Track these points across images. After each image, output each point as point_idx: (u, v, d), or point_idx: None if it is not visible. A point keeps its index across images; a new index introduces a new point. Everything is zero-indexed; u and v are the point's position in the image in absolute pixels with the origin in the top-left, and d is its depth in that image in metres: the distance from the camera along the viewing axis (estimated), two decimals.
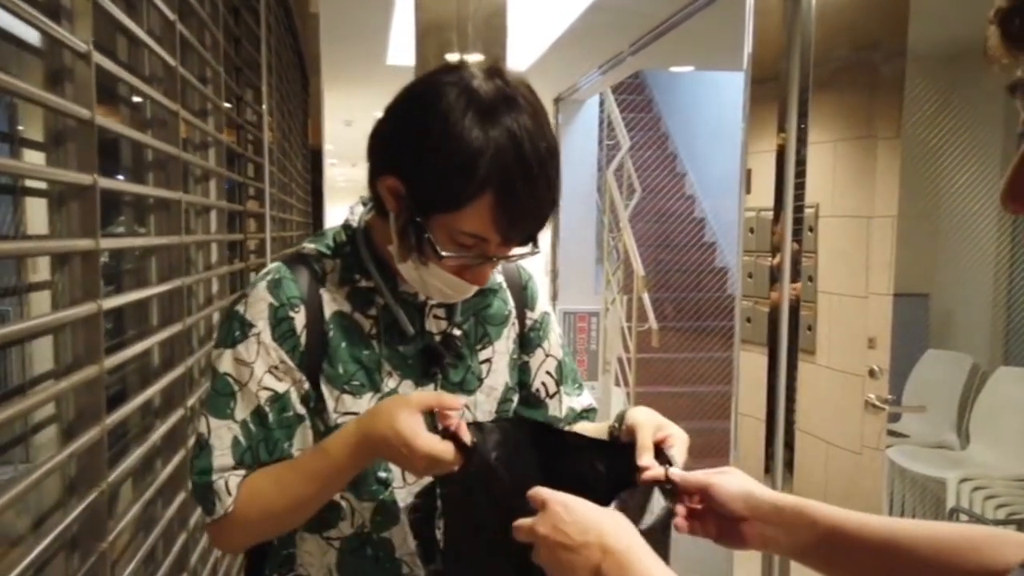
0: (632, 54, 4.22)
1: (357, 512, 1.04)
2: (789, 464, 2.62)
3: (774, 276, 2.66)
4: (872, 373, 2.49)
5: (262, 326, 1.00)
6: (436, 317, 1.09)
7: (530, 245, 1.02)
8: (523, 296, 1.19)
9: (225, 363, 1.00)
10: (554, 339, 1.22)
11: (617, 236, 5.75)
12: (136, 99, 1.10)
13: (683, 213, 6.56)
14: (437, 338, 1.09)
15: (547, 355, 1.20)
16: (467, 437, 0.93)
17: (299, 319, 1.02)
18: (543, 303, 1.22)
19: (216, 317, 1.56)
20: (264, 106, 2.05)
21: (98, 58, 0.75)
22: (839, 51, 2.51)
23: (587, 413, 1.24)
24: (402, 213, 0.99)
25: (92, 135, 0.73)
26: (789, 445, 2.62)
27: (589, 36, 4.04)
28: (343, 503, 1.04)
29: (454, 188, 0.93)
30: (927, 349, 3.90)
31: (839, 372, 2.60)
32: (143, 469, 1.13)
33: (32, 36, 0.75)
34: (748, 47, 2.69)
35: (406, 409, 0.93)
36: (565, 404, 1.21)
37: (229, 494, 0.97)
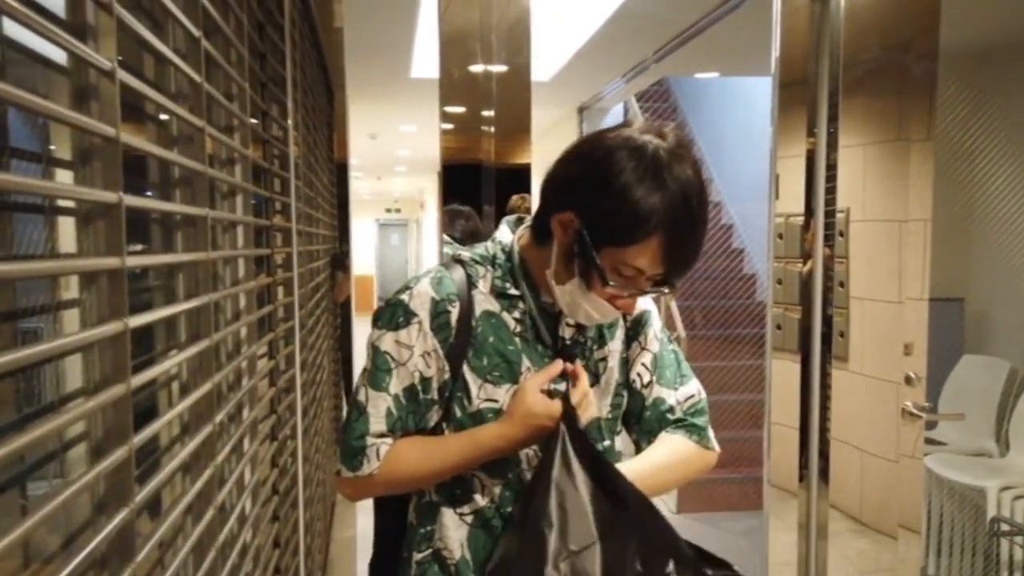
0: (656, 61, 4.20)
1: (487, 488, 1.23)
2: (824, 473, 2.57)
3: (805, 282, 2.62)
4: (909, 380, 2.44)
5: (423, 316, 1.20)
6: (568, 325, 1.26)
7: (667, 285, 1.18)
8: None
9: (386, 343, 1.21)
10: (650, 334, 1.34)
11: None
12: (162, 116, 1.10)
13: (710, 219, 6.49)
14: (568, 342, 1.26)
15: (642, 348, 1.34)
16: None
17: (454, 313, 1.21)
18: (643, 302, 1.34)
19: (244, 332, 1.56)
20: (290, 121, 2.06)
21: (123, 75, 0.75)
22: (869, 52, 2.48)
23: (687, 411, 1.33)
24: (572, 244, 1.15)
25: (117, 153, 0.73)
26: (824, 454, 2.57)
27: (613, 44, 4.03)
28: (475, 480, 1.23)
29: (629, 228, 1.09)
30: (963, 355, 3.82)
31: (873, 379, 2.55)
32: (173, 487, 1.12)
33: (57, 55, 0.75)
34: (775, 51, 2.66)
35: (530, 387, 1.17)
36: (653, 394, 1.33)
37: (377, 459, 1.20)
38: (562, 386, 1.21)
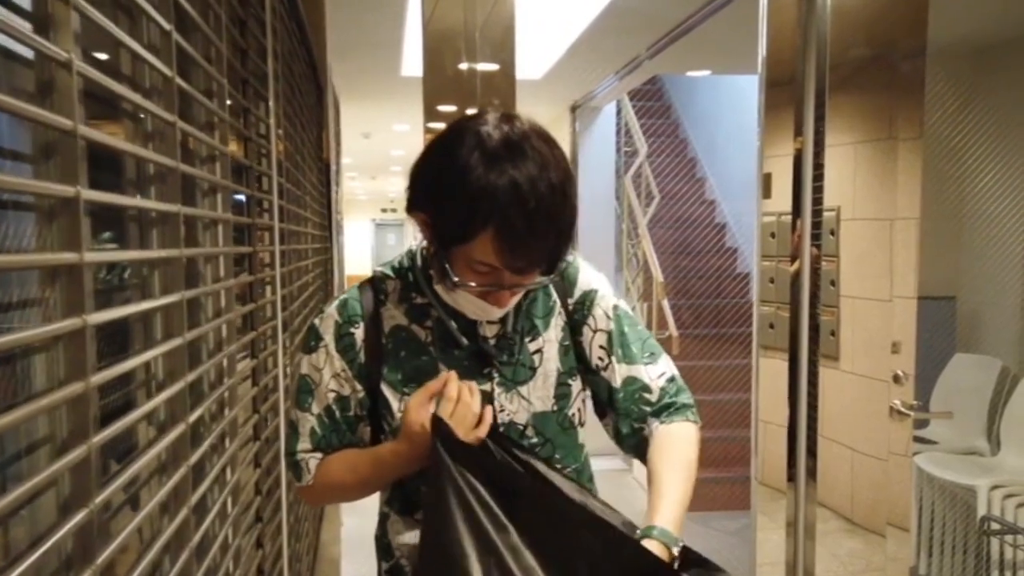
0: (648, 59, 4.19)
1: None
2: (812, 472, 2.57)
3: (793, 281, 2.61)
4: (897, 378, 2.43)
5: (328, 339, 1.22)
6: (490, 323, 1.21)
7: (543, 273, 1.12)
8: (562, 286, 1.28)
9: (304, 366, 1.25)
10: (599, 314, 1.27)
11: (636, 243, 5.71)
12: (130, 111, 1.09)
13: (703, 218, 6.50)
14: (492, 341, 1.22)
15: (595, 331, 1.27)
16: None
17: (359, 334, 1.22)
18: (584, 282, 1.28)
19: (224, 331, 1.54)
20: (272, 118, 2.04)
21: (81, 67, 0.73)
22: (856, 50, 2.47)
23: (669, 392, 1.25)
24: (431, 242, 1.13)
25: (75, 146, 0.72)
26: (812, 452, 2.56)
27: (604, 41, 4.02)
28: (418, 487, 1.21)
29: (461, 223, 1.05)
30: (955, 353, 3.82)
31: (863, 378, 2.55)
32: (144, 487, 1.11)
33: (12, 46, 0.74)
34: (762, 49, 2.65)
35: (411, 404, 1.15)
36: (622, 373, 1.25)
37: (309, 472, 1.25)
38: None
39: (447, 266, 1.10)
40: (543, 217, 1.04)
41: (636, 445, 1.26)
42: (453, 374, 1.16)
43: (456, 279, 1.10)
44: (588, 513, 1.08)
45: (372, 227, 20.72)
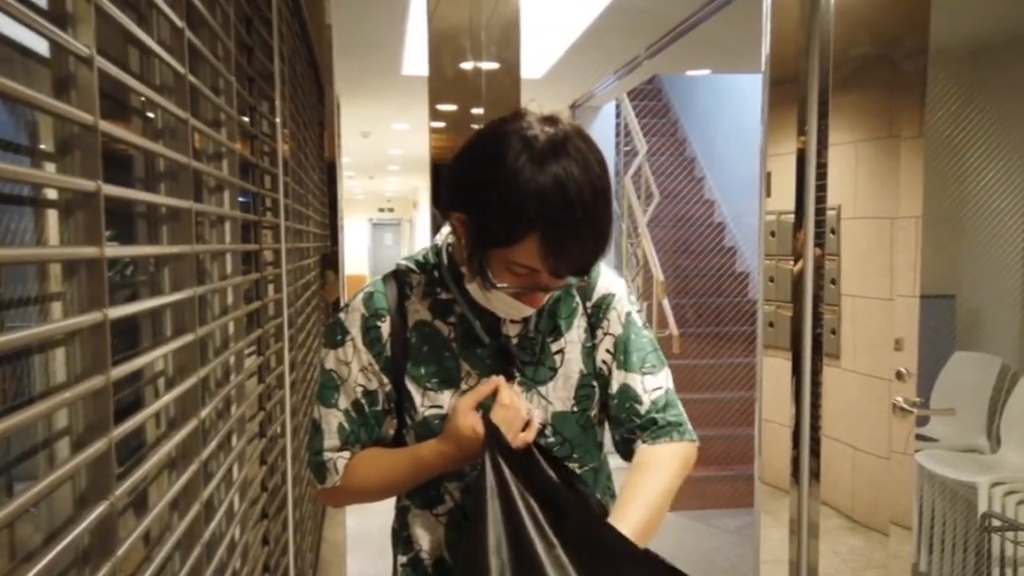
0: (648, 58, 4.20)
1: (450, 491, 1.23)
2: (816, 472, 2.57)
3: (796, 280, 2.62)
4: (900, 375, 2.44)
5: (355, 332, 1.22)
6: (513, 321, 1.21)
7: (575, 275, 1.13)
8: (585, 289, 1.28)
9: (330, 361, 1.23)
10: (613, 317, 1.27)
11: (636, 242, 5.72)
12: (145, 107, 1.09)
13: (702, 218, 6.51)
14: (515, 340, 1.21)
15: (605, 334, 1.27)
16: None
17: (385, 328, 1.21)
18: (603, 285, 1.28)
19: (232, 328, 1.55)
20: (278, 117, 2.04)
21: (102, 63, 0.74)
22: (859, 49, 2.48)
23: (658, 406, 1.24)
24: (468, 243, 1.12)
25: (96, 141, 0.72)
26: (815, 451, 2.57)
27: (604, 40, 4.03)
28: (442, 483, 1.22)
29: (506, 228, 1.05)
30: (954, 352, 3.83)
31: (865, 376, 2.55)
32: (159, 483, 1.11)
33: (37, 45, 0.74)
34: (765, 48, 2.65)
35: (461, 407, 1.14)
36: (618, 380, 1.25)
37: (337, 472, 1.23)
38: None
39: (484, 267, 1.10)
40: (587, 222, 1.05)
41: (627, 454, 1.27)
42: (502, 379, 1.16)
43: (497, 282, 1.10)
44: (631, 544, 1.07)
45: (369, 227, 20.71)
